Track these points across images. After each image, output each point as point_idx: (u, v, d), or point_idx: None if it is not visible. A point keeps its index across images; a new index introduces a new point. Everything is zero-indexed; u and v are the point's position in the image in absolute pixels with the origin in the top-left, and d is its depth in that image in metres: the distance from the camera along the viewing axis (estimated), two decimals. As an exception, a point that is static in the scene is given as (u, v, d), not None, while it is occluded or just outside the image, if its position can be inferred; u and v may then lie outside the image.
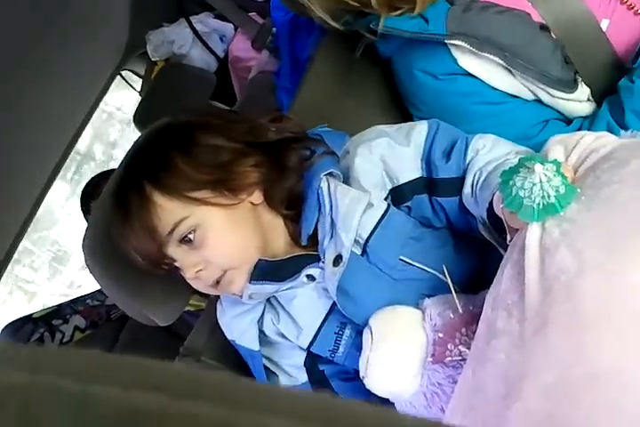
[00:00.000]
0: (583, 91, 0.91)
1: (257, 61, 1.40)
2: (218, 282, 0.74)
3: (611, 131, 0.85)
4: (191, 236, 0.72)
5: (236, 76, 1.46)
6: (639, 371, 0.44)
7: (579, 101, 0.91)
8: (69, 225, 2.64)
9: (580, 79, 0.90)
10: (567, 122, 0.93)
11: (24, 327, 1.26)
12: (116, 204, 0.77)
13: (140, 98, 1.54)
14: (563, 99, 0.91)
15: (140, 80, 1.68)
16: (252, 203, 0.76)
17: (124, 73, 1.58)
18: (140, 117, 1.30)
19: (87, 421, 0.14)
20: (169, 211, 0.72)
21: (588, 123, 0.91)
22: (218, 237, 0.73)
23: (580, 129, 0.91)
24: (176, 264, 0.75)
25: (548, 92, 0.90)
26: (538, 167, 0.54)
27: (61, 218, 2.74)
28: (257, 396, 0.16)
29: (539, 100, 0.92)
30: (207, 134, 0.76)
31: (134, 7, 1.30)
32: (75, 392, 0.14)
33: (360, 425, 0.16)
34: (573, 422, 0.45)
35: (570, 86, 0.89)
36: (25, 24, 1.01)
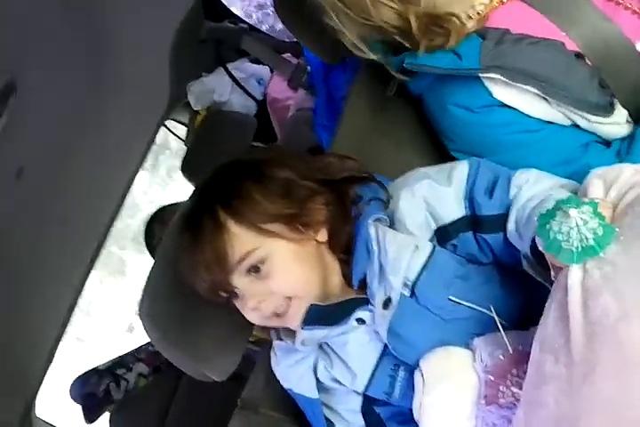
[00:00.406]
0: (621, 113, 0.90)
1: (294, 100, 1.44)
2: (282, 314, 0.76)
3: (650, 149, 0.85)
4: (259, 266, 0.74)
5: (275, 117, 1.50)
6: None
7: (617, 124, 0.91)
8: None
9: (616, 102, 0.89)
10: (607, 144, 0.93)
11: (91, 379, 1.32)
12: (189, 228, 0.79)
13: (185, 148, 1.60)
14: (601, 123, 0.90)
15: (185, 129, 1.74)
16: (317, 240, 0.79)
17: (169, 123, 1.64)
18: (188, 166, 1.36)
19: None
20: (241, 240, 0.74)
21: (627, 143, 0.90)
22: (285, 268, 0.75)
23: (619, 150, 0.90)
24: (238, 292, 0.76)
25: (586, 118, 0.90)
26: (573, 212, 0.54)
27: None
28: None
29: (576, 125, 0.92)
30: (279, 169, 0.79)
31: (174, 59, 1.36)
32: None
33: None
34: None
35: (607, 110, 0.88)
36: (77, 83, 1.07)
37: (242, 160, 0.83)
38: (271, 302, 0.75)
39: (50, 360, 1.12)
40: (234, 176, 0.80)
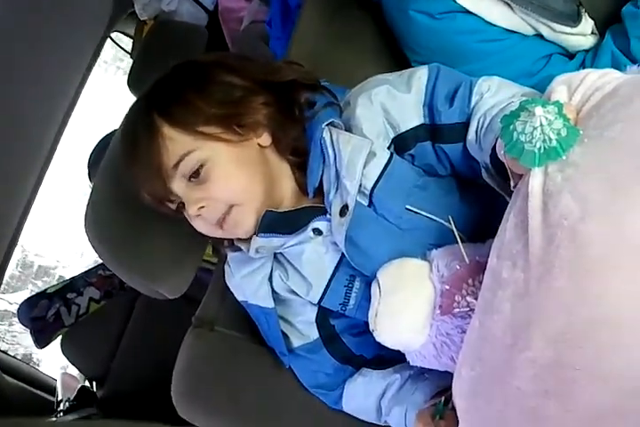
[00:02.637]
0: (587, 23, 0.87)
1: (248, 11, 1.35)
2: (222, 223, 0.74)
3: (616, 62, 0.83)
4: (198, 170, 0.72)
5: (227, 29, 1.42)
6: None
7: (583, 35, 0.88)
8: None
9: (583, 11, 0.86)
10: (570, 56, 0.90)
11: (40, 303, 1.28)
12: (126, 137, 0.78)
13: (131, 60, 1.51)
14: (566, 33, 0.87)
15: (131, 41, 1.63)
16: (259, 145, 0.76)
17: (114, 35, 1.54)
18: (134, 79, 1.27)
19: None
20: (177, 143, 0.72)
21: (592, 56, 0.87)
22: (224, 171, 0.73)
23: (583, 62, 0.88)
24: (179, 200, 0.74)
25: (550, 27, 0.86)
26: (538, 110, 0.52)
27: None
28: None
29: (539, 35, 0.89)
30: (222, 71, 0.76)
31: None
32: None
33: None
34: (579, 365, 0.45)
35: (573, 20, 0.85)
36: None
37: (193, 62, 0.79)
38: (213, 209, 0.73)
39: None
40: (173, 81, 0.77)
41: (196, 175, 0.72)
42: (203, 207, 0.73)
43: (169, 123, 0.73)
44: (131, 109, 0.81)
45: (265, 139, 0.76)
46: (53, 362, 2.02)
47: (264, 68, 0.78)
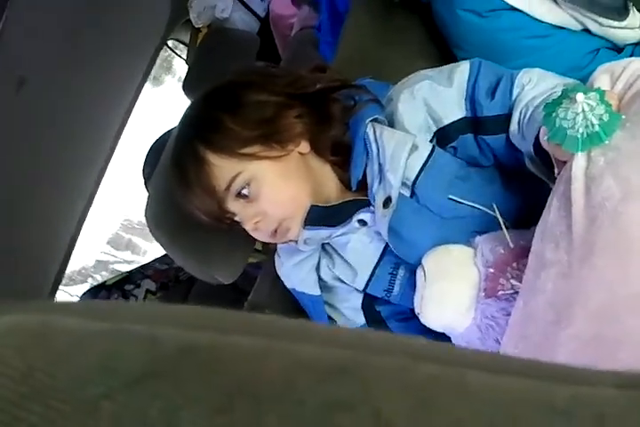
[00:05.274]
0: (635, 17, 0.87)
1: (298, 18, 1.39)
2: (276, 231, 0.78)
3: (663, 55, 0.83)
4: (246, 190, 0.75)
5: (278, 35, 1.46)
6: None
7: (630, 28, 0.88)
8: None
9: (630, 5, 0.87)
10: (618, 50, 0.90)
11: (99, 295, 1.34)
12: (175, 168, 0.81)
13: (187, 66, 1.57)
14: (613, 27, 0.87)
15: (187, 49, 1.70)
16: (300, 153, 0.79)
17: (170, 43, 1.60)
18: (189, 85, 1.33)
19: (155, 356, 0.17)
20: (223, 168, 0.76)
21: None
22: (271, 188, 0.76)
23: (632, 55, 0.88)
24: (236, 218, 0.79)
25: (597, 21, 0.87)
26: (579, 97, 0.53)
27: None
28: (291, 329, 0.19)
29: (587, 30, 0.90)
30: (250, 91, 0.78)
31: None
32: (144, 333, 0.18)
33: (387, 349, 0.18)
34: (618, 340, 0.46)
35: (620, 13, 0.86)
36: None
37: (218, 87, 0.82)
38: (267, 222, 0.77)
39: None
40: (207, 109, 0.80)
41: (245, 195, 0.76)
42: (258, 222, 0.77)
43: (212, 150, 0.76)
44: (173, 139, 0.85)
45: (304, 146, 0.79)
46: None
47: (289, 81, 0.80)
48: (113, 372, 0.16)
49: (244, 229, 0.80)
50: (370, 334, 0.20)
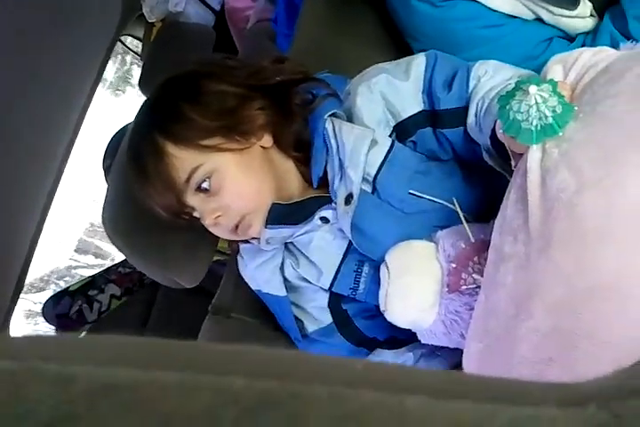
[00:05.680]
0: (585, 6, 0.88)
1: (254, 10, 1.37)
2: (237, 227, 0.76)
3: (615, 42, 0.83)
4: (206, 184, 0.74)
5: (234, 28, 1.44)
6: (638, 282, 0.45)
7: (581, 17, 0.89)
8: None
9: (582, -7, 0.87)
10: (570, 39, 0.91)
11: (62, 301, 1.32)
12: (132, 159, 0.79)
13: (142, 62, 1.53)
14: (565, 16, 0.88)
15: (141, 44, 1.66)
16: (262, 147, 0.78)
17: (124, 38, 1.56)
18: (145, 81, 1.30)
19: (68, 397, 0.16)
20: (183, 160, 0.74)
21: (591, 38, 0.88)
22: (233, 181, 0.74)
23: (583, 45, 0.88)
24: (195, 214, 0.77)
25: (549, 10, 0.87)
26: (532, 89, 0.53)
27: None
28: (216, 360, 0.18)
29: (539, 20, 0.90)
30: (211, 81, 0.77)
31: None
32: (56, 373, 0.16)
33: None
34: (576, 333, 0.46)
35: (572, 3, 0.86)
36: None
37: (177, 76, 0.80)
38: (229, 217, 0.75)
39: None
40: (167, 99, 0.78)
41: (206, 188, 0.74)
42: (219, 216, 0.75)
43: (171, 141, 0.74)
44: (130, 130, 0.83)
45: (266, 140, 0.78)
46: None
47: (250, 72, 0.79)
48: (23, 419, 0.15)
49: (206, 229, 0.78)
50: (304, 360, 0.19)
